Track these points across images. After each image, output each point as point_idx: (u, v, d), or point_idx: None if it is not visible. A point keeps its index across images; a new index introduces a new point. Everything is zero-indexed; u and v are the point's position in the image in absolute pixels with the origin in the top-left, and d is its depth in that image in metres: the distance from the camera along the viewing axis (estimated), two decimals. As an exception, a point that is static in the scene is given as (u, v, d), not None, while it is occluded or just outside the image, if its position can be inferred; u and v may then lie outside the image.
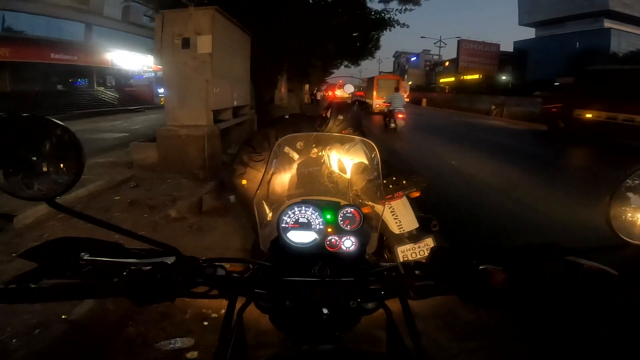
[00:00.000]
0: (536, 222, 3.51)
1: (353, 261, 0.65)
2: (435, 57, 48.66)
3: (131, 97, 20.68)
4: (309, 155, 1.89)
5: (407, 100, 26.57)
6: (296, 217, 0.68)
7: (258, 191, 0.80)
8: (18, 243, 2.66)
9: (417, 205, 2.13)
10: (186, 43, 4.76)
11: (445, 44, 42.68)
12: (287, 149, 1.31)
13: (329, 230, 0.67)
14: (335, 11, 9.40)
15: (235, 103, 6.26)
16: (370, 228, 0.78)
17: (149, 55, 19.52)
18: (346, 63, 18.76)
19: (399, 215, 2.03)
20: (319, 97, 28.48)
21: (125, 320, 1.92)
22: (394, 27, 10.85)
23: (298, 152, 1.55)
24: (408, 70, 56.96)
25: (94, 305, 1.84)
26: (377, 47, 15.49)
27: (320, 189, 1.72)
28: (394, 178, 2.06)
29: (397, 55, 64.46)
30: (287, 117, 2.30)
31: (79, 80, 20.40)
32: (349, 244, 0.65)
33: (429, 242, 2.02)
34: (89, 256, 0.54)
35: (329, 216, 0.68)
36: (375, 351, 0.63)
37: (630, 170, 0.46)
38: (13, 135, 0.45)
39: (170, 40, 4.79)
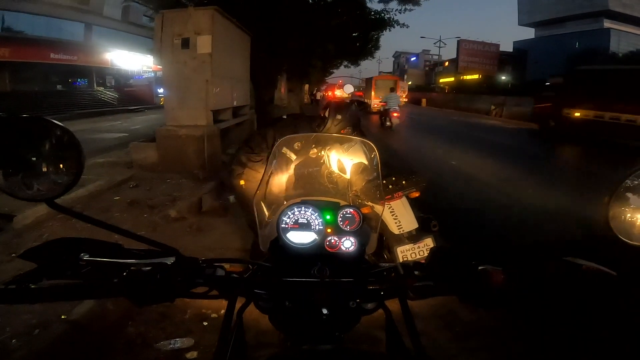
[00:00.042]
0: (516, 208, 3.94)
1: (352, 261, 0.65)
2: (435, 57, 48.67)
3: (131, 97, 20.67)
4: (309, 155, 1.89)
5: (406, 100, 26.90)
6: (296, 218, 0.68)
7: (257, 192, 0.80)
8: (17, 243, 2.66)
9: (416, 206, 2.13)
10: (186, 43, 4.76)
11: (445, 44, 42.71)
12: (286, 150, 1.31)
13: (329, 230, 0.67)
14: (335, 11, 9.41)
15: (235, 103, 6.27)
16: (369, 228, 0.78)
17: (149, 55, 19.52)
18: (346, 63, 18.79)
19: (398, 215, 2.04)
20: (318, 97, 28.48)
21: (125, 320, 1.92)
22: (394, 27, 10.87)
23: (297, 152, 1.55)
24: (408, 70, 56.98)
25: (93, 306, 1.84)
26: (377, 47, 15.51)
27: (320, 189, 1.72)
28: (394, 178, 2.06)
29: (397, 55, 64.46)
30: (285, 117, 2.29)
31: (79, 80, 20.39)
32: (348, 244, 0.65)
33: (428, 243, 2.02)
34: (89, 257, 0.54)
35: (328, 217, 0.68)
36: (375, 351, 0.63)
37: (630, 170, 0.46)
38: (13, 135, 0.45)
39: (170, 40, 4.79)
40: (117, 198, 3.78)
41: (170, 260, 0.54)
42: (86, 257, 0.54)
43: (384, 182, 1.84)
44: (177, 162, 4.78)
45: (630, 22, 31.06)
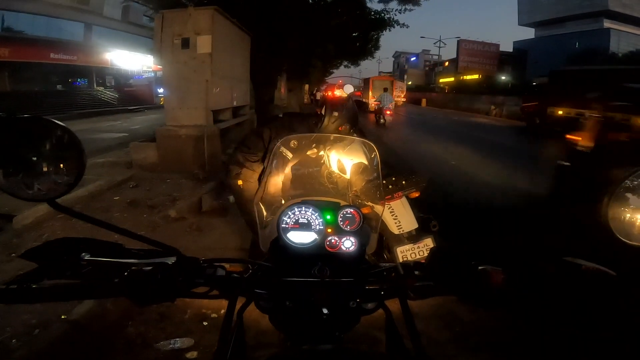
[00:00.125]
0: (483, 186, 5.08)
1: (353, 261, 0.66)
2: (435, 57, 48.63)
3: (131, 97, 20.65)
4: (308, 155, 1.89)
5: (404, 100, 27.10)
6: (296, 218, 0.68)
7: (258, 192, 0.80)
8: (17, 243, 2.66)
9: (416, 206, 2.13)
10: (186, 43, 4.76)
11: (445, 44, 42.68)
12: (286, 150, 1.31)
13: (329, 230, 0.67)
14: (335, 11, 9.41)
15: (234, 103, 6.27)
16: (369, 228, 0.78)
17: (149, 55, 19.53)
18: (346, 63, 18.80)
19: (398, 215, 2.04)
20: (318, 97, 28.46)
21: (125, 320, 1.92)
22: (394, 27, 10.88)
23: (296, 152, 1.55)
24: (408, 70, 56.97)
25: (93, 306, 1.84)
26: (377, 47, 15.51)
27: (320, 189, 1.72)
28: (394, 178, 2.06)
29: (397, 55, 64.44)
30: (281, 116, 2.27)
31: (79, 80, 20.38)
32: (348, 244, 0.65)
33: (428, 243, 2.02)
34: (90, 256, 0.54)
35: (328, 217, 0.68)
36: (375, 351, 0.63)
37: (629, 171, 0.46)
38: (13, 136, 0.45)
39: (170, 40, 4.80)
40: (117, 198, 3.78)
41: (171, 260, 0.54)
42: (87, 257, 0.54)
43: (384, 182, 1.84)
44: (177, 162, 4.78)
45: (630, 22, 31.06)
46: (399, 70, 60.62)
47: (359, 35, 12.60)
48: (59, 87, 18.88)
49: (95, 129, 10.53)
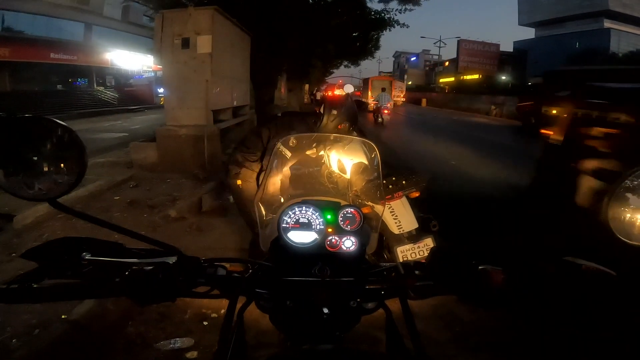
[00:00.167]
0: (476, 182, 5.36)
1: (353, 261, 0.66)
2: (435, 57, 48.66)
3: (131, 97, 20.66)
4: (309, 155, 1.89)
5: (404, 99, 27.39)
6: (297, 217, 0.68)
7: (258, 191, 0.81)
8: (17, 243, 2.66)
9: (416, 206, 2.13)
10: (186, 43, 4.76)
11: (445, 44, 42.71)
12: (285, 149, 1.31)
13: (329, 230, 0.67)
14: (335, 11, 9.41)
15: (235, 103, 6.27)
16: (370, 228, 0.78)
17: (149, 55, 19.52)
18: (346, 63, 18.80)
19: (398, 215, 2.04)
20: (318, 97, 28.46)
21: (125, 320, 1.92)
22: (394, 27, 10.89)
23: (296, 152, 1.54)
24: (408, 70, 56.97)
25: (93, 305, 1.84)
26: (377, 47, 15.51)
27: (320, 189, 1.72)
28: (394, 178, 2.06)
29: (397, 55, 64.44)
30: (279, 115, 2.26)
31: (79, 80, 20.39)
32: (349, 244, 0.65)
33: (428, 243, 2.02)
34: (91, 256, 0.54)
35: (329, 216, 0.68)
36: (375, 351, 0.63)
37: (629, 171, 0.46)
38: (16, 136, 0.45)
39: (170, 40, 4.80)
40: (117, 198, 3.78)
41: (172, 260, 0.54)
42: (88, 257, 0.54)
43: (384, 182, 1.84)
44: (177, 162, 4.78)
45: (631, 22, 31.06)
46: (399, 70, 60.61)
47: (359, 35, 12.61)
48: (59, 87, 18.88)
49: (95, 128, 10.53)
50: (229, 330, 0.59)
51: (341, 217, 0.68)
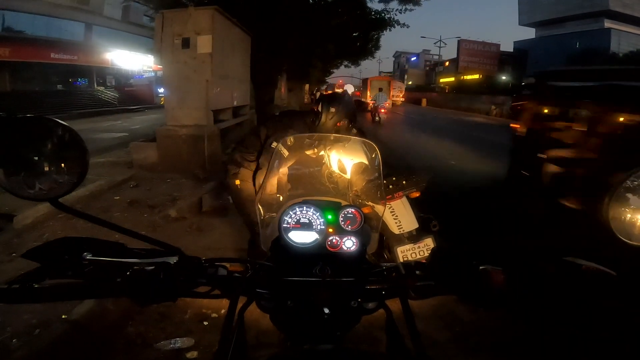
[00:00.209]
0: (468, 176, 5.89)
1: (354, 261, 0.66)
2: (436, 57, 48.67)
3: (131, 96, 20.67)
4: (309, 155, 1.89)
5: (403, 99, 27.84)
6: (297, 218, 0.68)
7: (259, 191, 0.81)
8: (18, 243, 2.67)
9: (417, 206, 2.13)
10: (186, 43, 4.76)
11: (446, 44, 42.73)
12: (283, 148, 1.31)
13: (330, 230, 0.67)
14: (336, 11, 9.40)
15: (235, 103, 6.27)
16: (370, 228, 0.78)
17: (149, 55, 19.52)
18: (346, 63, 18.77)
19: (398, 215, 2.04)
20: (318, 97, 28.46)
21: (125, 320, 1.92)
22: (394, 27, 10.86)
23: (295, 151, 1.54)
24: (408, 70, 56.96)
25: (94, 305, 1.85)
26: (377, 47, 15.49)
27: (321, 189, 1.72)
28: (394, 178, 2.06)
29: (397, 55, 64.43)
30: (277, 114, 2.25)
31: (79, 80, 20.39)
32: (349, 244, 0.65)
33: (428, 243, 2.02)
34: (92, 256, 0.54)
35: (330, 216, 0.68)
36: (375, 351, 0.63)
37: (630, 171, 0.46)
38: (18, 136, 0.45)
39: (170, 40, 4.80)
40: (117, 198, 3.78)
41: (173, 260, 0.54)
42: (89, 257, 0.54)
43: (384, 182, 1.83)
44: (177, 162, 4.78)
45: (631, 22, 31.02)
46: (400, 70, 60.61)
47: (359, 35, 12.59)
48: (59, 87, 18.89)
49: (95, 128, 10.53)
50: (229, 330, 0.59)
51: (342, 217, 0.68)
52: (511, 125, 5.49)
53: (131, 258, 0.55)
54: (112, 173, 4.52)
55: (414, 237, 2.04)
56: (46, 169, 0.47)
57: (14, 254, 2.44)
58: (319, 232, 0.67)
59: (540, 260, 0.54)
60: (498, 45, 40.64)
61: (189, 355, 1.73)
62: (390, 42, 39.04)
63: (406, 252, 2.00)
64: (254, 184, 1.87)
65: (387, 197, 1.95)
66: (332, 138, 1.68)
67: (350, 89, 7.98)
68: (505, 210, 3.91)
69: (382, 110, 13.58)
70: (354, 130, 2.01)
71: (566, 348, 1.80)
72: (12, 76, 15.66)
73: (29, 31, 15.93)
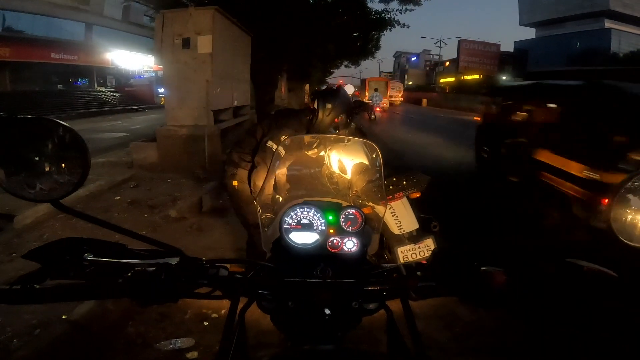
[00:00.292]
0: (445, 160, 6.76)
1: (355, 262, 0.66)
2: (436, 57, 48.65)
3: (131, 97, 20.66)
4: (309, 155, 1.89)
5: (402, 99, 28.43)
6: (298, 218, 0.68)
7: (259, 192, 0.81)
8: (18, 243, 2.67)
9: (417, 206, 2.13)
10: (186, 43, 4.76)
11: (446, 44, 42.72)
12: (281, 149, 1.31)
13: (331, 231, 0.67)
14: (336, 11, 9.39)
15: (235, 103, 6.27)
16: (371, 229, 0.78)
17: (149, 55, 19.51)
18: (346, 63, 18.73)
19: (399, 216, 2.04)
20: (313, 94, 28.50)
21: (125, 321, 1.92)
22: (394, 27, 10.82)
23: (294, 150, 1.54)
24: (408, 70, 56.96)
25: (94, 306, 1.85)
26: (378, 47, 15.47)
27: (322, 190, 1.72)
28: (394, 179, 2.06)
29: (398, 55, 64.41)
30: (273, 113, 2.23)
31: (79, 80, 20.39)
32: (350, 245, 0.65)
33: (429, 243, 2.02)
34: (93, 257, 0.54)
35: (330, 217, 0.68)
36: (375, 351, 0.63)
37: (632, 173, 0.46)
38: (19, 136, 0.45)
39: (170, 40, 4.80)
40: (118, 198, 3.78)
41: (174, 261, 0.54)
42: (90, 258, 0.54)
43: (385, 182, 1.83)
44: (177, 162, 4.78)
45: (631, 22, 31.00)
46: (400, 70, 60.60)
47: (360, 35, 12.56)
48: (59, 87, 18.89)
49: (95, 128, 10.54)
50: (230, 331, 0.59)
51: (343, 218, 0.68)
52: (474, 118, 6.80)
53: (132, 259, 0.55)
54: (113, 173, 4.52)
55: (414, 238, 2.04)
56: (47, 169, 0.47)
57: (14, 254, 2.45)
58: (320, 232, 0.67)
59: (541, 261, 0.54)
60: (498, 45, 40.65)
61: (189, 355, 1.73)
62: (391, 42, 39.05)
63: (406, 253, 2.00)
64: (249, 184, 1.86)
65: (388, 197, 1.95)
66: (332, 139, 1.68)
67: (350, 89, 8.02)
68: (504, 210, 3.92)
69: (378, 109, 14.72)
70: (353, 125, 1.98)
71: (566, 348, 1.80)
72: (12, 76, 15.66)
73: (29, 31, 15.93)
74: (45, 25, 16.49)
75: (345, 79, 35.58)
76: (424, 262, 0.62)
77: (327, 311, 0.58)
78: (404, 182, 2.04)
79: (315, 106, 1.90)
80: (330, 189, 1.72)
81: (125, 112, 16.90)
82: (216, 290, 0.58)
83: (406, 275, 0.59)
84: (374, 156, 0.91)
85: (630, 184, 0.47)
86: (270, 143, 1.82)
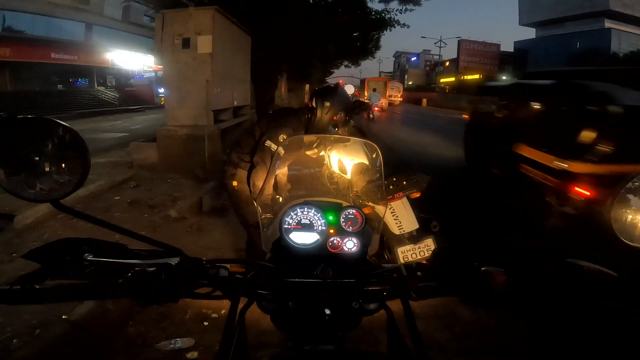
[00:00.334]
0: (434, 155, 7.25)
1: (355, 262, 0.66)
2: (436, 57, 48.63)
3: (131, 96, 20.67)
4: (309, 155, 1.88)
5: (401, 99, 28.86)
6: (298, 218, 0.68)
7: (259, 192, 0.81)
8: (18, 243, 2.67)
9: (417, 206, 2.13)
10: (186, 43, 4.76)
11: (446, 44, 42.72)
12: (280, 148, 1.30)
13: (331, 231, 0.67)
14: (336, 11, 9.38)
15: (235, 103, 6.27)
16: (371, 229, 0.78)
17: (149, 55, 19.52)
18: (346, 63, 18.73)
19: (399, 216, 2.04)
20: (311, 92, 28.53)
21: (125, 321, 1.92)
22: (394, 27, 10.81)
23: (293, 150, 1.54)
24: (408, 70, 56.93)
25: (94, 306, 1.85)
26: (378, 47, 15.46)
27: (322, 190, 1.72)
28: (394, 179, 2.06)
29: (398, 55, 64.39)
30: (271, 112, 2.22)
31: (79, 80, 20.40)
32: (350, 245, 0.65)
33: (429, 243, 2.02)
34: (93, 257, 0.54)
35: (331, 217, 0.68)
36: (375, 351, 0.63)
37: (632, 174, 0.46)
38: (19, 136, 0.45)
39: (170, 40, 4.80)
40: (118, 198, 3.78)
41: (174, 261, 0.54)
42: (90, 258, 0.54)
43: (385, 182, 1.83)
44: (177, 162, 4.78)
45: (631, 22, 31.00)
46: (400, 70, 60.59)
47: (360, 35, 12.55)
48: (59, 87, 18.90)
49: (96, 128, 10.54)
50: (230, 331, 0.59)
51: (343, 218, 0.68)
52: (464, 116, 6.96)
53: (132, 259, 0.55)
54: (113, 173, 4.52)
55: (414, 238, 2.04)
56: (47, 169, 0.47)
57: (14, 254, 2.45)
58: (320, 233, 0.67)
59: (541, 261, 0.54)
60: (498, 45, 40.65)
61: (189, 355, 1.73)
62: (391, 42, 39.08)
63: (407, 253, 2.00)
64: (248, 184, 1.86)
65: (388, 197, 1.94)
66: (332, 139, 1.68)
67: (350, 89, 8.04)
68: (504, 210, 3.93)
69: (375, 108, 15.48)
70: (352, 123, 1.99)
71: (566, 348, 1.80)
72: (12, 76, 15.66)
73: (29, 31, 15.93)
74: (45, 25, 16.49)
75: (345, 79, 35.63)
76: (424, 262, 0.62)
77: (327, 311, 0.58)
78: (404, 182, 2.04)
79: (314, 104, 1.90)
80: (331, 189, 1.72)
81: (125, 112, 16.90)
82: (216, 290, 0.58)
83: (406, 275, 0.59)
84: (374, 156, 0.91)
85: (630, 184, 0.47)
86: (268, 142, 1.81)
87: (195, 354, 1.74)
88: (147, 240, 0.54)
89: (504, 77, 33.77)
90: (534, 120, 4.16)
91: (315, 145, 1.77)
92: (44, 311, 1.78)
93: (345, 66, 20.47)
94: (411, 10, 10.73)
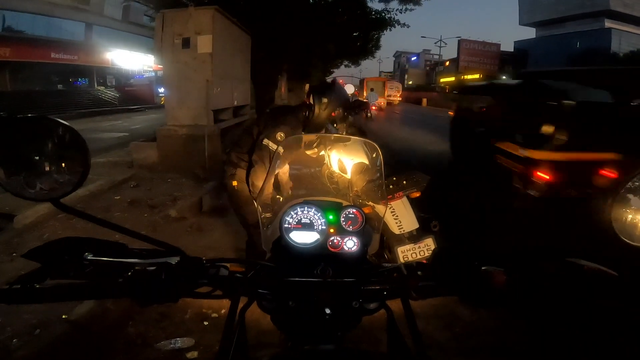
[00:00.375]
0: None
1: (355, 262, 0.66)
2: (436, 57, 48.64)
3: (131, 96, 20.65)
4: (309, 155, 1.88)
5: (400, 99, 29.27)
6: (298, 218, 0.68)
7: (259, 191, 0.81)
8: (18, 243, 2.67)
9: (417, 206, 2.13)
10: (186, 43, 4.76)
11: (446, 44, 42.75)
12: (278, 146, 1.30)
13: (331, 230, 0.67)
14: (336, 11, 9.39)
15: (235, 103, 6.27)
16: (371, 229, 0.78)
17: (149, 55, 19.50)
18: (346, 63, 18.75)
19: (399, 215, 2.04)
20: (308, 89, 28.57)
21: (125, 320, 1.92)
22: (395, 27, 10.81)
23: (292, 149, 1.54)
24: (408, 70, 56.91)
25: (94, 306, 1.85)
26: (378, 47, 15.46)
27: (322, 189, 1.72)
28: (394, 178, 2.06)
29: (398, 55, 64.37)
30: (268, 110, 2.21)
31: (79, 79, 20.38)
32: (351, 244, 0.65)
33: (429, 243, 2.03)
34: (93, 256, 0.54)
35: (331, 217, 0.68)
36: (375, 351, 0.63)
37: (632, 173, 0.46)
38: (19, 136, 0.45)
39: (170, 40, 4.80)
40: (118, 198, 3.78)
41: (174, 260, 0.54)
42: (90, 257, 0.54)
43: (385, 182, 1.82)
44: (177, 161, 4.78)
45: (632, 22, 31.01)
46: (400, 70, 60.57)
47: (360, 35, 12.56)
48: (59, 86, 18.88)
49: (96, 128, 10.54)
50: (230, 331, 0.59)
51: (343, 217, 0.68)
52: (449, 113, 7.45)
53: (132, 258, 0.55)
54: (113, 173, 4.52)
55: (414, 237, 2.04)
56: (47, 169, 0.47)
57: (14, 254, 2.45)
58: (320, 232, 0.67)
59: (541, 261, 0.54)
60: (498, 45, 40.68)
61: (189, 355, 1.73)
62: (391, 42, 39.08)
63: (407, 252, 2.00)
64: (247, 183, 1.86)
65: (388, 197, 1.94)
66: (332, 138, 1.67)
67: (350, 89, 8.08)
68: (504, 210, 3.93)
69: (373, 107, 15.98)
70: (350, 119, 1.98)
71: (566, 348, 1.80)
72: (12, 76, 15.66)
73: (29, 31, 15.92)
74: (45, 25, 16.48)
75: (345, 79, 35.64)
76: (424, 261, 0.62)
77: (328, 311, 0.58)
78: (404, 182, 2.04)
79: (311, 101, 1.88)
80: (331, 189, 1.72)
81: (125, 112, 16.90)
82: (216, 290, 0.58)
83: (406, 274, 0.59)
84: (374, 156, 0.91)
85: (630, 184, 0.47)
86: (266, 141, 1.81)
87: (195, 353, 1.74)
88: (147, 240, 0.54)
89: (503, 77, 33.79)
90: (504, 115, 4.74)
91: (315, 144, 1.77)
92: (44, 311, 1.78)
93: (345, 66, 20.49)
94: (411, 10, 10.73)
